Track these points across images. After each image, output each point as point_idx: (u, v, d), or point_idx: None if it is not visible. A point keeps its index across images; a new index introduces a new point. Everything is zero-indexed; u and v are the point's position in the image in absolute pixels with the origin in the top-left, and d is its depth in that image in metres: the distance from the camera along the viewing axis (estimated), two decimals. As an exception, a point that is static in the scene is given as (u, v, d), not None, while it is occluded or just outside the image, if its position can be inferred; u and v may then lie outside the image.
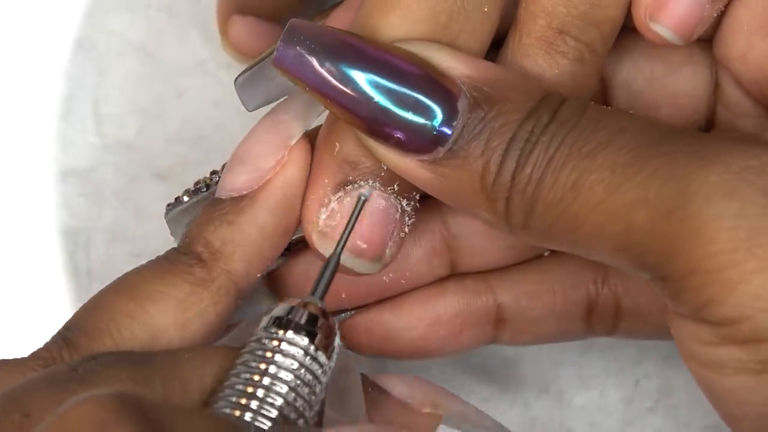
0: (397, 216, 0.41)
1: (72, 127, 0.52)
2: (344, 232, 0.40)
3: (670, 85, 0.44)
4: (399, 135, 0.39)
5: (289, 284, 0.45)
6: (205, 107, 0.52)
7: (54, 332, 0.40)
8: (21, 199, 0.51)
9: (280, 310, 0.38)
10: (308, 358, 0.37)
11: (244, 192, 0.41)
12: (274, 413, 0.37)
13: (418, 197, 0.42)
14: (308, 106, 0.42)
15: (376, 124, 0.39)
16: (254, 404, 0.36)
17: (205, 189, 0.44)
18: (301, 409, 0.37)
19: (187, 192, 0.44)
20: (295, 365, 0.37)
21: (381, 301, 0.45)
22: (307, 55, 0.39)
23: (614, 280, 0.45)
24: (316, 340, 0.38)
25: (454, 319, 0.45)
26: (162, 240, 0.47)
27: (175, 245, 0.42)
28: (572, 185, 0.37)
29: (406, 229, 0.42)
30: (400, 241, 0.42)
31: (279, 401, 0.37)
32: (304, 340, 0.37)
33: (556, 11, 0.40)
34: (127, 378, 0.36)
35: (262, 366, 0.37)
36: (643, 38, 0.42)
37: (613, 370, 0.51)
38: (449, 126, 0.38)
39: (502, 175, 0.38)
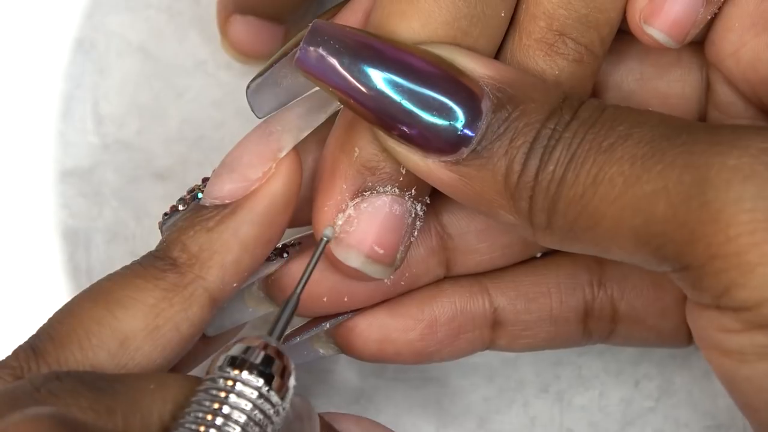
0: (410, 221, 0.41)
1: (72, 127, 0.52)
2: (305, 272, 0.40)
3: (661, 86, 0.44)
4: (423, 136, 0.39)
5: (285, 287, 0.45)
6: (205, 107, 0.52)
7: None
8: (21, 199, 0.51)
9: (236, 349, 0.38)
10: (262, 399, 0.37)
11: (228, 200, 0.41)
12: None
13: (428, 201, 0.42)
14: (302, 118, 0.42)
15: (400, 126, 0.39)
16: None
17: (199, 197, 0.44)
18: None
19: (182, 200, 0.44)
20: (249, 406, 0.37)
21: (378, 304, 0.45)
22: (330, 57, 0.39)
23: (610, 284, 0.45)
24: (272, 382, 0.37)
25: (452, 321, 0.45)
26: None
27: None
28: (593, 180, 0.37)
29: (416, 233, 0.42)
30: (410, 244, 0.42)
31: None
32: (258, 381, 0.37)
33: (557, 13, 0.40)
34: (88, 406, 0.35)
35: (216, 405, 0.37)
36: (636, 40, 0.42)
37: (612, 371, 0.51)
38: (473, 126, 0.38)
39: (526, 174, 0.38)
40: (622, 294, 0.45)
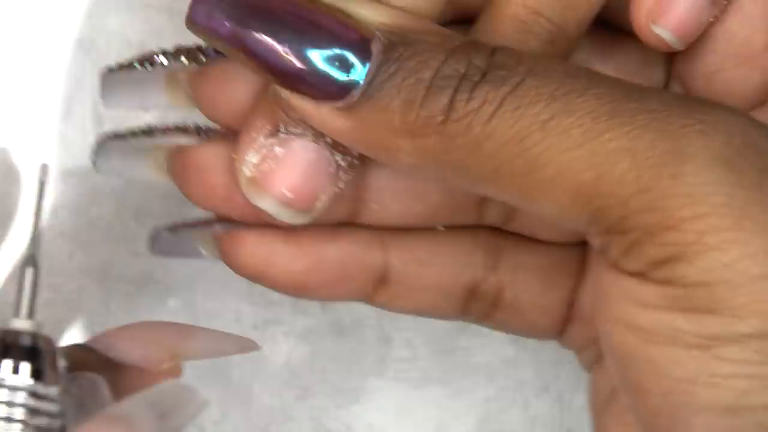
0: (331, 169, 0.40)
1: (72, 128, 0.52)
2: (36, 214, 0.38)
3: None
4: (309, 84, 0.37)
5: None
6: (205, 107, 0.52)
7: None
8: (21, 199, 0.51)
9: None
10: (32, 396, 0.35)
11: None
12: None
13: (355, 154, 0.41)
14: None
15: (286, 74, 0.37)
16: None
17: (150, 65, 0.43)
18: None
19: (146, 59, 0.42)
20: (21, 412, 0.35)
21: (273, 225, 0.42)
22: (218, 12, 0.37)
23: (503, 270, 0.44)
24: (41, 375, 0.36)
25: (341, 265, 0.43)
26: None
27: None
28: (541, 125, 0.36)
29: (342, 185, 0.41)
30: (335, 195, 0.41)
31: None
32: (25, 380, 0.36)
33: None
34: None
35: None
36: (611, 40, 0.41)
37: (613, 370, 0.51)
38: (362, 69, 0.37)
39: (427, 107, 0.36)
40: (511, 283, 0.44)
